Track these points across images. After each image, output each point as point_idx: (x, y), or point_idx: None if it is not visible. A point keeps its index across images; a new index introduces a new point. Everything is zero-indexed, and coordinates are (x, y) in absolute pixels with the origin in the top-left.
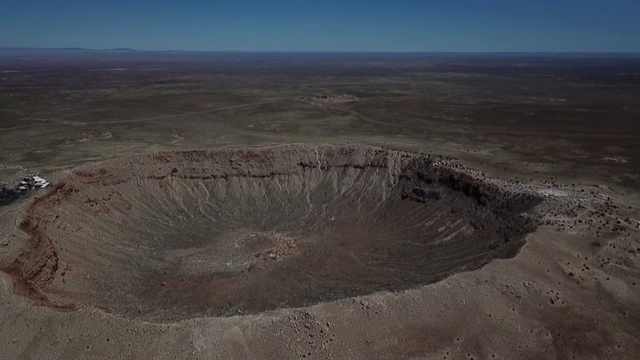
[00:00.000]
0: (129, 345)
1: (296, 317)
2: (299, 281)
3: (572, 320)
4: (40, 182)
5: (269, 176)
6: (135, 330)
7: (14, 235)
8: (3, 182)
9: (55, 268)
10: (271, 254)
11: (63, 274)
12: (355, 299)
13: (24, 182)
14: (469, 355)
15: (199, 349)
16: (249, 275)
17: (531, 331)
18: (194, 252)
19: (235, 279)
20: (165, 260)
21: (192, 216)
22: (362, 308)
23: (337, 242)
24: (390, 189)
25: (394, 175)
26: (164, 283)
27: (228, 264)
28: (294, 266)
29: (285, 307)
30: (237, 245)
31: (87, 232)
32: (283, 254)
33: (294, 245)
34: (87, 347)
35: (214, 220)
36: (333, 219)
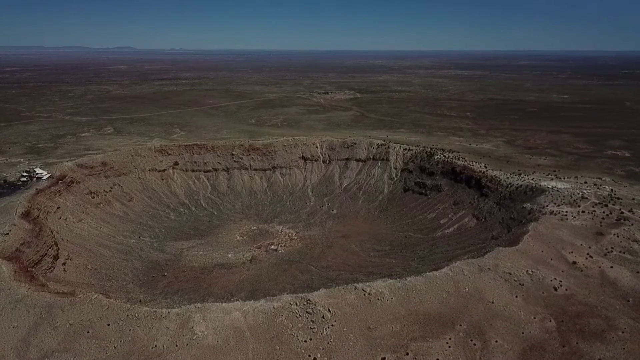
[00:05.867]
0: (130, 330)
1: (297, 303)
2: (301, 272)
3: (576, 307)
4: (41, 173)
5: (270, 169)
6: (136, 315)
7: (14, 225)
8: (4, 174)
9: (56, 258)
10: (272, 246)
11: (64, 264)
12: (357, 285)
13: (25, 174)
14: (471, 340)
15: (199, 334)
16: (250, 267)
17: (534, 318)
18: (196, 243)
19: (236, 270)
20: (166, 252)
21: (193, 209)
22: (364, 294)
23: (338, 235)
24: (392, 182)
25: (395, 169)
26: (165, 274)
27: (229, 255)
28: (295, 258)
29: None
30: (238, 237)
31: (88, 224)
32: (284, 245)
33: (296, 238)
34: (88, 332)
35: (216, 213)
36: (335, 212)
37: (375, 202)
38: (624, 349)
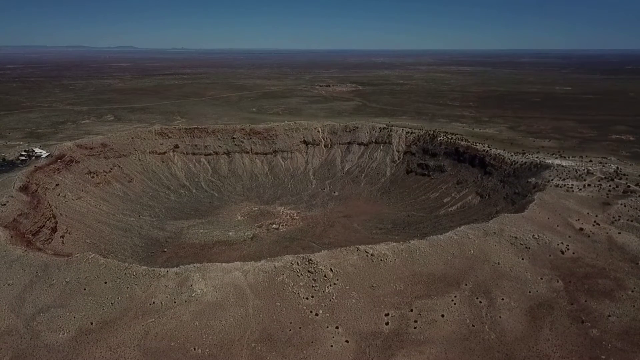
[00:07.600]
0: (127, 288)
1: (299, 262)
2: (302, 248)
3: (584, 269)
4: (40, 152)
5: (271, 153)
6: (134, 274)
7: (12, 196)
8: (3, 154)
9: (54, 230)
10: (274, 225)
11: (62, 237)
12: (360, 247)
13: (24, 153)
14: (477, 298)
15: (198, 291)
16: (252, 244)
17: (541, 278)
18: (196, 222)
19: (237, 247)
20: (166, 230)
21: (194, 190)
22: (367, 256)
23: (340, 215)
24: (395, 164)
25: (398, 152)
26: (165, 250)
27: (230, 233)
28: (296, 235)
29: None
30: (239, 217)
31: (87, 201)
32: (286, 225)
33: (297, 218)
34: (84, 289)
35: (216, 194)
36: (336, 193)
37: (377, 184)
38: (634, 306)
